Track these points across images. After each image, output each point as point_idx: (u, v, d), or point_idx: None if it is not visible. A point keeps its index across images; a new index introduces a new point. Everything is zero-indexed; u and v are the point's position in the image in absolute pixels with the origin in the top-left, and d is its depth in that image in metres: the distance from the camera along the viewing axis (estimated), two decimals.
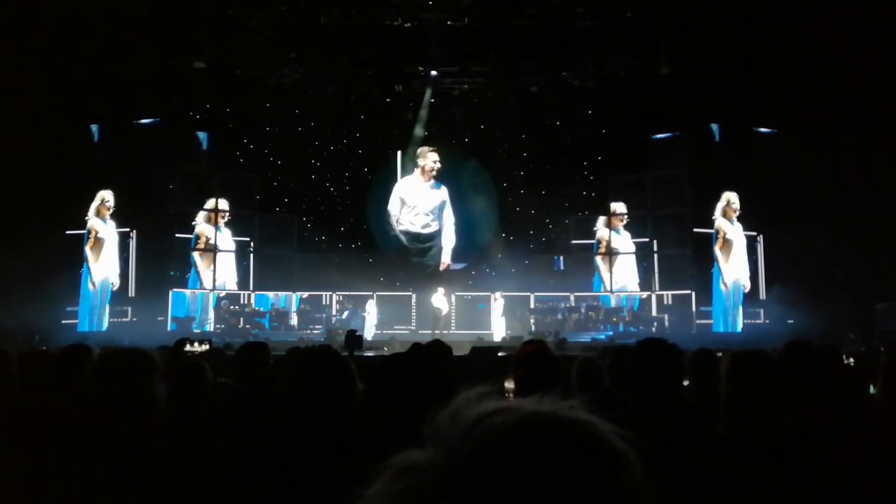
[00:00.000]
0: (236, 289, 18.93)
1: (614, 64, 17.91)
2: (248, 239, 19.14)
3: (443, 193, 18.74)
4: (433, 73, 18.21)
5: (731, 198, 18.79)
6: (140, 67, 15.92)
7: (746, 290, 18.65)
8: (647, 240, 19.18)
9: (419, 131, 18.94)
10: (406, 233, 18.80)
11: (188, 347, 4.79)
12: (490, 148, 19.40)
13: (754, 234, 18.88)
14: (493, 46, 17.58)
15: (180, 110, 17.93)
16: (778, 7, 14.94)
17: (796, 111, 16.29)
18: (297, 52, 17.67)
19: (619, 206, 19.60)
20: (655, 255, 19.06)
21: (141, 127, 17.69)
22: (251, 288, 18.88)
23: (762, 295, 18.66)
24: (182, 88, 17.45)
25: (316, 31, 16.93)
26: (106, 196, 18.28)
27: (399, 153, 19.06)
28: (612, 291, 19.07)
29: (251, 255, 19.06)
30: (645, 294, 19.01)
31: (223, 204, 19.02)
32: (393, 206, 18.83)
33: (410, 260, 18.83)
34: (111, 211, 18.32)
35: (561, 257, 19.66)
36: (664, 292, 18.82)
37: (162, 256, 17.96)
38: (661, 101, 18.10)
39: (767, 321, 17.69)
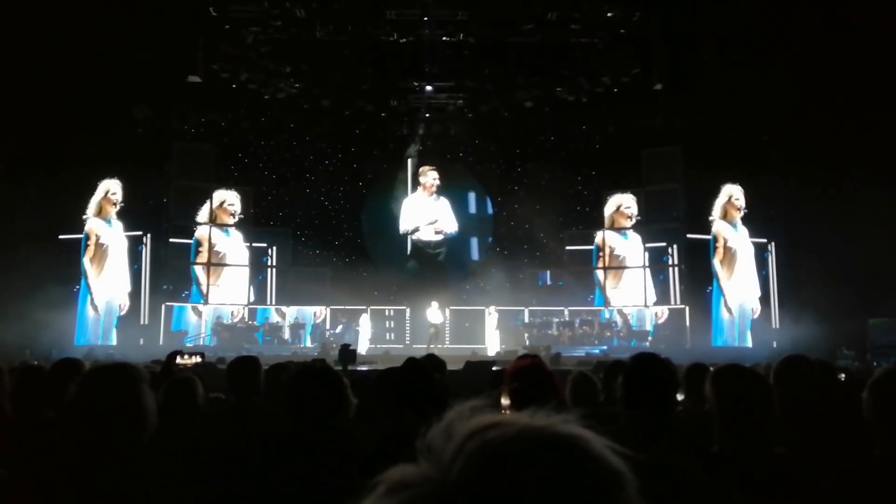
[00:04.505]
0: (249, 305, 17.06)
1: (608, 79, 18.03)
2: (265, 245, 17.84)
3: (445, 204, 19.44)
4: (428, 88, 18.33)
5: (733, 192, 14.87)
6: (135, 81, 15.83)
7: (755, 316, 14.97)
8: (663, 244, 15.98)
9: (413, 150, 19.40)
10: (419, 241, 19.46)
11: (179, 360, 4.74)
12: (484, 163, 19.63)
13: (764, 241, 15.07)
14: (487, 62, 17.75)
15: (175, 124, 17.81)
16: (772, 18, 14.81)
17: (792, 123, 15.31)
18: (292, 67, 17.74)
19: (625, 199, 16.58)
20: (674, 269, 16.66)
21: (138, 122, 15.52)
22: (272, 302, 17.92)
23: (775, 323, 14.75)
24: (177, 102, 17.35)
25: (311, 46, 17.03)
26: (112, 187, 14.30)
27: (409, 167, 19.49)
28: (613, 306, 17.85)
29: (271, 271, 17.99)
30: (660, 309, 16.45)
31: (231, 197, 16.00)
32: (406, 222, 19.41)
33: (422, 266, 19.33)
34: (118, 207, 14.31)
35: (548, 272, 19.43)
36: (683, 306, 16.27)
37: (171, 268, 16.12)
38: (654, 116, 18.09)
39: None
